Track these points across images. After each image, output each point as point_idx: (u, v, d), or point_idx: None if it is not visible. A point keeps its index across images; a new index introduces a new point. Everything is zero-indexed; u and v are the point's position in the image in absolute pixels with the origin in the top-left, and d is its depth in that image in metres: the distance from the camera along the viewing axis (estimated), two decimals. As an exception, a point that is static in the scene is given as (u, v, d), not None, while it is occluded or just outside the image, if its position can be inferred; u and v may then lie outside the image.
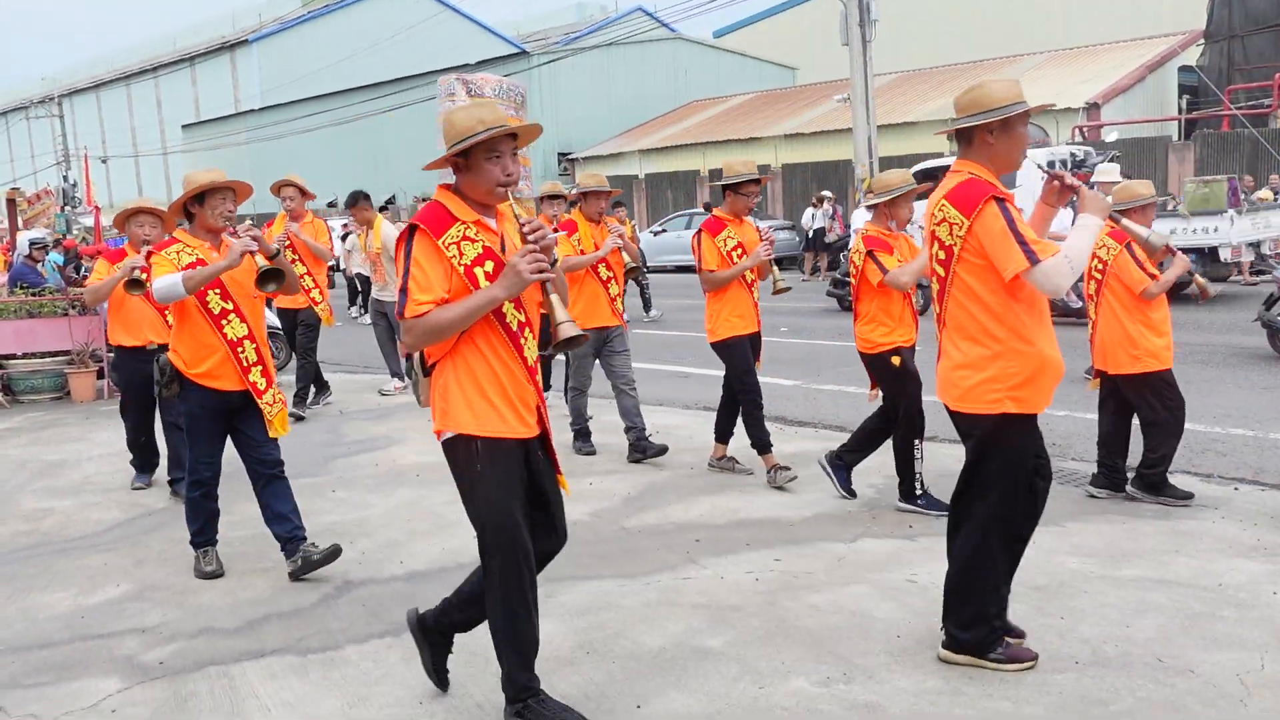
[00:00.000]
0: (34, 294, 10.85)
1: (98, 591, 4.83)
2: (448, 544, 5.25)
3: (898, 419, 5.61)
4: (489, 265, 3.17)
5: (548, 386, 8.54)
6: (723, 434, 6.53)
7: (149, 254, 4.93)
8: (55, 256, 15.40)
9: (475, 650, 3.98)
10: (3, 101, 69.82)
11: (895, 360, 5.60)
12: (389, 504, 5.99)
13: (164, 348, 6.14)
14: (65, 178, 42.77)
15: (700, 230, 6.17)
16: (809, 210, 23.02)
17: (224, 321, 4.75)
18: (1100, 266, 5.53)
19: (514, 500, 3.21)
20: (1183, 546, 4.81)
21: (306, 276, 8.41)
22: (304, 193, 8.74)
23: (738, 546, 5.07)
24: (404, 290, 3.11)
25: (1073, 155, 15.86)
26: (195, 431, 4.85)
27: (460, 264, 3.13)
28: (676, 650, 3.90)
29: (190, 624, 4.38)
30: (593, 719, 3.39)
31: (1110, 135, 19.01)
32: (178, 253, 4.79)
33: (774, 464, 6.14)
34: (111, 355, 8.61)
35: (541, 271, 3.08)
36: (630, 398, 6.94)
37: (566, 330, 3.10)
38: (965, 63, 33.84)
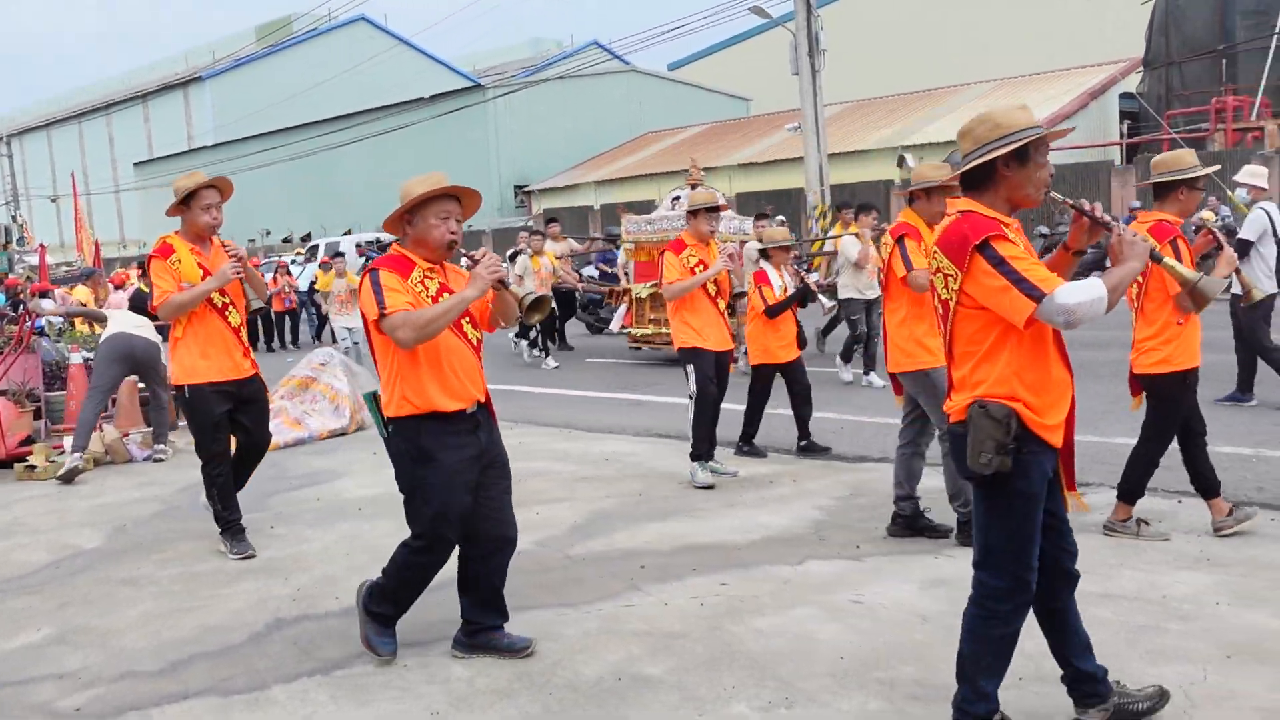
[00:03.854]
0: (-30, 332, 10.57)
1: (17, 636, 4.63)
2: (386, 577, 5.10)
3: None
4: None
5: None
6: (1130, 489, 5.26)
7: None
8: (-4, 295, 15.10)
9: (412, 687, 3.85)
10: (-51, 142, 68.79)
11: None
12: (328, 539, 5.84)
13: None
14: (14, 217, 42.06)
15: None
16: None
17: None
18: None
19: None
20: (1127, 560, 4.78)
21: (243, 329, 5.73)
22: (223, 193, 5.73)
23: (684, 572, 4.97)
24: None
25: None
26: (1032, 521, 3.11)
27: None
28: (615, 679, 3.80)
29: (111, 668, 4.20)
30: (525, 752, 3.27)
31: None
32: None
33: None
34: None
35: None
36: None
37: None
38: (913, 91, 34.35)
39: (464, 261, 4.06)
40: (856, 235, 10.68)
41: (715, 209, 6.81)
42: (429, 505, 3.87)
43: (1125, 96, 29.37)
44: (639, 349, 13.82)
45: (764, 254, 7.68)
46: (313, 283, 18.88)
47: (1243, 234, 8.13)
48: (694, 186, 12.64)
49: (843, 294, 10.68)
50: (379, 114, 40.85)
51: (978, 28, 39.35)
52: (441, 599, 4.74)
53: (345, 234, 32.61)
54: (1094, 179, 22.15)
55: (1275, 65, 24.26)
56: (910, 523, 5.40)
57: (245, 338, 5.64)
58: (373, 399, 4.02)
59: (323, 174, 42.71)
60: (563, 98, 40.74)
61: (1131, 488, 5.23)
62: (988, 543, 3.13)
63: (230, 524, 5.66)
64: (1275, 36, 24.09)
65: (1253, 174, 8.72)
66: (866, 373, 10.46)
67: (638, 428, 8.92)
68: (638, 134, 41.76)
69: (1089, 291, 2.93)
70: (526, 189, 38.38)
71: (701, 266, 6.66)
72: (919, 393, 5.27)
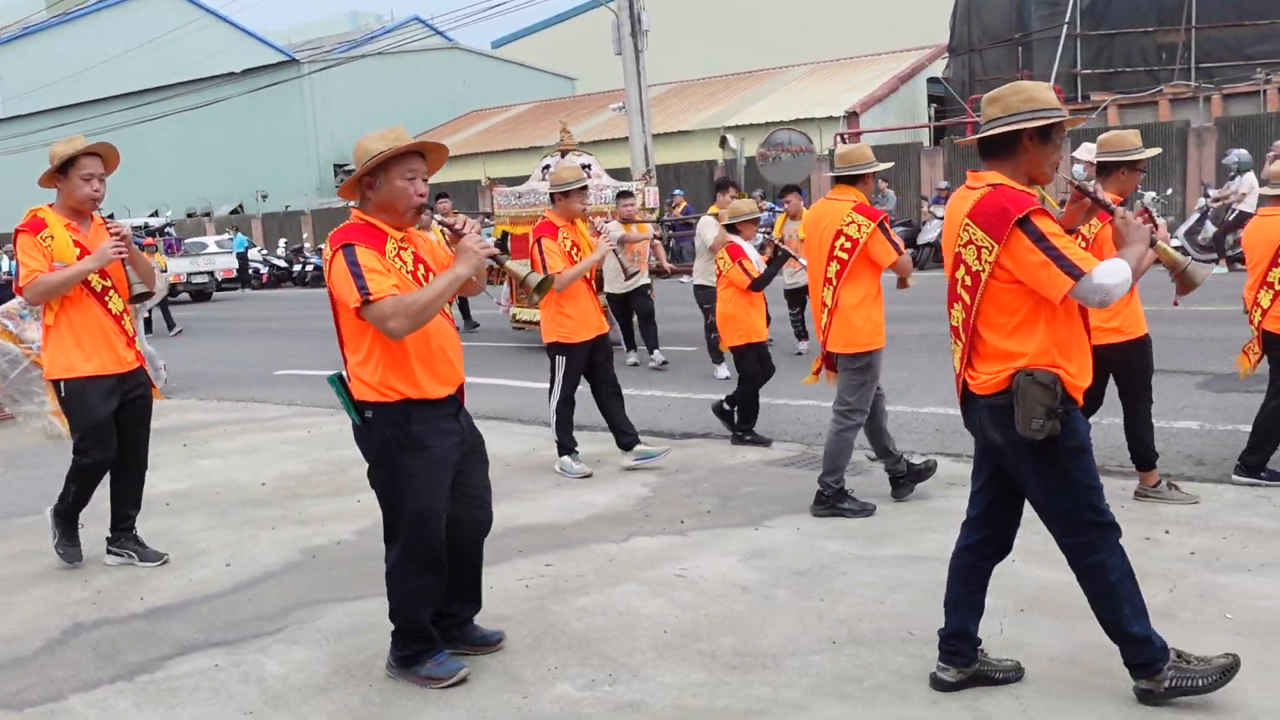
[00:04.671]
0: None
1: None
2: (195, 574, 4.88)
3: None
4: None
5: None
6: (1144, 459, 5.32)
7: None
8: None
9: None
10: None
11: None
12: (133, 537, 5.52)
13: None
14: None
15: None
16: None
17: None
18: None
19: None
20: (934, 524, 5.04)
21: (126, 316, 5.07)
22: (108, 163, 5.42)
23: (510, 554, 4.95)
24: None
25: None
26: (1090, 473, 3.22)
27: None
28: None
29: (-116, 687, 3.86)
30: (344, 748, 3.19)
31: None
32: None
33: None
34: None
35: None
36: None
37: None
38: (734, 74, 35.06)
39: (434, 222, 3.64)
40: (715, 216, 9.83)
41: (585, 187, 6.70)
42: (416, 499, 3.54)
43: (933, 81, 30.83)
44: (522, 329, 13.13)
45: (731, 228, 7.17)
46: None
47: None
48: (564, 154, 11.72)
49: (698, 279, 9.84)
50: (186, 89, 38.77)
51: (797, 12, 40.48)
52: (252, 595, 4.58)
53: (151, 215, 30.92)
54: (905, 159, 23.14)
55: (1065, 53, 25.90)
56: (893, 466, 5.55)
57: (129, 326, 5.01)
58: (338, 381, 3.60)
59: (127, 152, 39.95)
60: (382, 74, 39.71)
61: (1145, 454, 5.25)
62: (1062, 508, 3.20)
63: (71, 519, 5.18)
64: (1065, 26, 25.71)
65: (1091, 152, 8.56)
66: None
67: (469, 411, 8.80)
68: (461, 112, 41.15)
69: (1121, 272, 3.04)
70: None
71: (575, 249, 6.49)
72: (855, 371, 5.31)
